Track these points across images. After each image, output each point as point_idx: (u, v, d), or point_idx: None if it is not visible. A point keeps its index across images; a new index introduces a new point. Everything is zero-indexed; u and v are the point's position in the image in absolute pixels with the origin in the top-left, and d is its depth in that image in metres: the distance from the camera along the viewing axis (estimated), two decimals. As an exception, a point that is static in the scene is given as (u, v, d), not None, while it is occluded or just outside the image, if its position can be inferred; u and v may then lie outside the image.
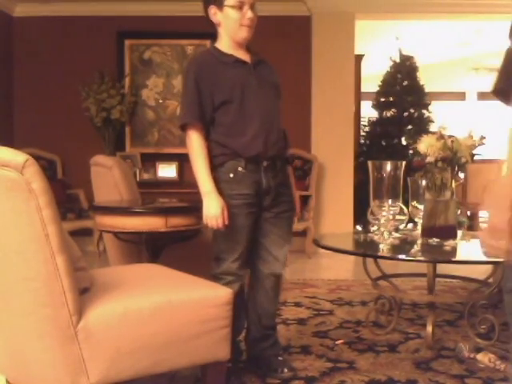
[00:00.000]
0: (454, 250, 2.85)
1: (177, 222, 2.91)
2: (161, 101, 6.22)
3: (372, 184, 2.93)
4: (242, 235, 2.40)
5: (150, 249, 3.04)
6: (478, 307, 3.02)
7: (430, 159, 2.90)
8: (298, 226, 5.19)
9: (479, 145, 2.94)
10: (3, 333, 1.93)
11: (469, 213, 3.50)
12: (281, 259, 2.53)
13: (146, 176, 6.11)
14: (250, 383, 2.48)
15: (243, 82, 2.38)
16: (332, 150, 5.99)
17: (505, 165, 1.43)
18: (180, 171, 6.09)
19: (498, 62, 1.49)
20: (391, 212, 2.89)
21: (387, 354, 2.81)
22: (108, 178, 3.28)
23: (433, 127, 6.76)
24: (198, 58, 2.56)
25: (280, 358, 2.58)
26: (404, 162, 2.94)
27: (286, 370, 2.52)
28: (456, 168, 2.92)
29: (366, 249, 3.11)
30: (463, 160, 2.91)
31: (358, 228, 3.47)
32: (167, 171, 6.13)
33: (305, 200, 5.70)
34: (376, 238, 2.97)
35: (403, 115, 6.93)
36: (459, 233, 3.01)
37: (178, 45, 6.20)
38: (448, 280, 3.97)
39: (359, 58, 6.77)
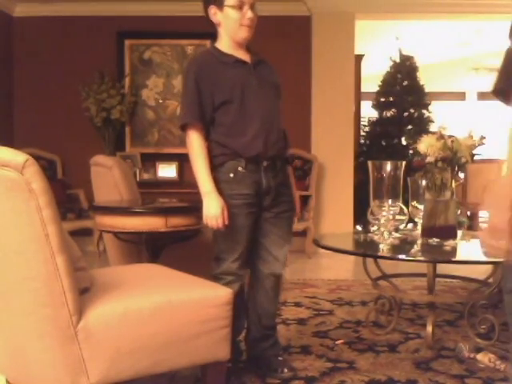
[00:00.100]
0: (453, 250, 2.85)
1: (177, 222, 2.91)
2: (161, 101, 6.22)
3: (372, 184, 2.93)
4: (241, 235, 2.40)
5: (150, 249, 3.04)
6: (478, 307, 3.02)
7: (429, 159, 2.90)
8: (297, 226, 5.19)
9: (479, 145, 2.94)
10: (3, 333, 1.93)
11: (469, 213, 3.51)
12: (281, 259, 2.53)
13: (145, 176, 6.11)
14: (250, 383, 2.48)
15: (243, 82, 2.38)
16: (332, 150, 5.99)
17: (505, 165, 1.43)
18: (180, 171, 6.09)
19: (498, 62, 1.49)
20: (391, 212, 2.89)
21: (387, 354, 2.81)
22: (108, 178, 3.28)
23: (433, 127, 6.76)
24: (198, 58, 2.55)
25: (280, 358, 2.58)
26: (404, 162, 2.94)
27: (286, 370, 2.53)
28: (456, 168, 2.92)
29: (366, 249, 3.11)
30: (463, 160, 2.91)
31: (358, 228, 3.48)
32: (167, 171, 6.13)
33: (305, 200, 5.70)
34: (376, 238, 2.97)
35: (403, 115, 6.93)
36: (459, 233, 3.01)
37: (178, 45, 6.20)
38: (448, 280, 3.97)
39: (359, 57, 6.77)
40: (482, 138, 2.94)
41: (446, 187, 2.88)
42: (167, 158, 6.13)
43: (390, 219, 2.90)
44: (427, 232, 2.88)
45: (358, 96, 6.83)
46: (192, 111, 2.36)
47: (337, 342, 2.98)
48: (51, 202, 1.75)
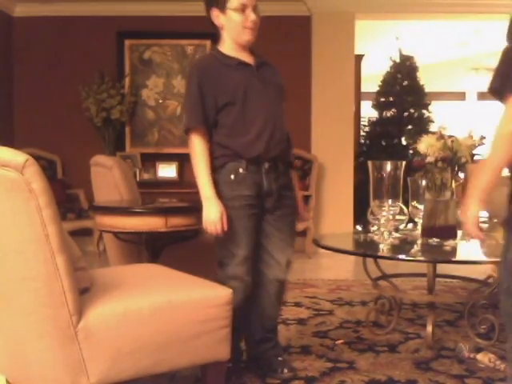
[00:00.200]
0: (453, 250, 2.85)
1: (177, 222, 2.91)
2: (161, 101, 6.22)
3: (372, 184, 2.93)
4: (243, 238, 2.38)
5: (149, 249, 3.04)
6: (478, 307, 3.02)
7: (430, 159, 2.90)
8: (297, 226, 5.18)
9: (479, 145, 2.94)
10: (3, 333, 1.93)
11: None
12: (283, 263, 2.51)
13: (146, 176, 6.11)
14: (250, 383, 2.48)
15: (246, 84, 2.37)
16: (332, 150, 5.99)
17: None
18: (180, 171, 6.09)
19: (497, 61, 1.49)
20: (391, 212, 2.89)
21: (387, 354, 2.81)
22: (108, 178, 3.28)
23: (433, 127, 6.76)
24: (201, 62, 2.56)
25: (280, 359, 2.58)
26: (404, 162, 2.94)
27: (285, 371, 2.52)
28: (456, 168, 2.92)
29: (366, 249, 3.11)
30: (463, 160, 2.91)
31: (358, 228, 3.47)
32: (167, 171, 6.13)
33: (305, 200, 5.70)
34: (376, 237, 2.97)
35: (403, 115, 6.93)
36: (459, 233, 3.01)
37: (178, 45, 6.20)
38: (448, 280, 3.97)
39: (359, 57, 6.77)
40: (482, 137, 2.94)
41: (446, 187, 2.88)
42: (167, 157, 6.13)
43: (389, 219, 2.90)
44: (427, 232, 2.88)
45: (358, 96, 6.83)
46: (195, 115, 2.36)
47: (337, 342, 2.98)
48: (51, 202, 1.75)
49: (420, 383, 2.47)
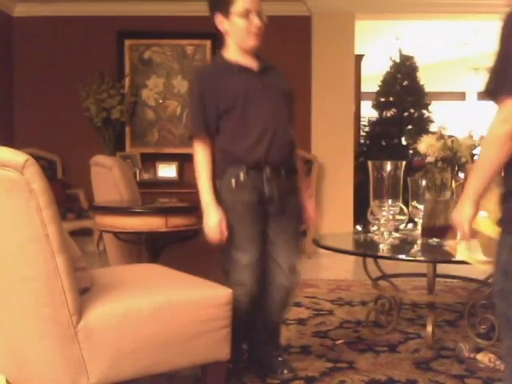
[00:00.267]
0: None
1: (177, 222, 2.91)
2: (161, 101, 6.22)
3: (372, 184, 2.93)
4: (245, 244, 2.36)
5: (150, 249, 3.04)
6: (478, 307, 3.01)
7: (430, 159, 2.90)
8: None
9: (479, 145, 2.94)
10: (3, 333, 1.93)
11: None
12: (287, 270, 2.48)
13: (146, 176, 6.11)
14: (250, 383, 2.48)
15: (247, 89, 2.36)
16: (332, 150, 5.98)
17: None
18: (180, 171, 6.09)
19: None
20: (391, 212, 2.89)
21: (387, 354, 2.81)
22: (108, 178, 3.28)
23: (433, 127, 6.75)
24: (202, 70, 2.59)
25: (280, 359, 2.58)
26: (404, 162, 2.94)
27: (285, 371, 2.52)
28: (456, 168, 2.92)
29: (366, 249, 3.11)
30: (463, 160, 2.91)
31: (358, 228, 3.47)
32: (167, 171, 6.13)
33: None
34: (376, 238, 2.97)
35: (403, 115, 6.93)
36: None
37: (178, 45, 6.20)
38: (448, 280, 3.97)
39: (359, 58, 6.77)
40: (482, 137, 2.94)
41: (446, 187, 2.88)
42: (167, 157, 6.13)
43: (390, 219, 2.90)
44: (427, 232, 2.88)
45: (358, 96, 6.83)
46: (197, 123, 2.38)
47: (337, 342, 2.98)
48: (51, 202, 1.75)
49: (420, 383, 2.47)
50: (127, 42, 6.20)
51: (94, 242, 5.68)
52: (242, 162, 2.35)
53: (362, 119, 7.23)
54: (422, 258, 2.88)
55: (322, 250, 2.97)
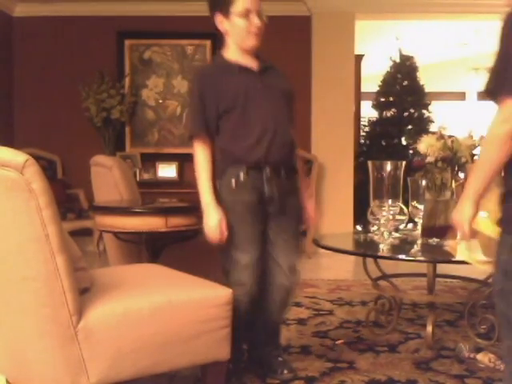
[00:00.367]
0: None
1: (177, 221, 2.91)
2: (161, 101, 6.22)
3: (372, 184, 2.93)
4: (245, 244, 2.36)
5: (150, 249, 3.04)
6: (478, 307, 3.01)
7: (430, 159, 2.90)
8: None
9: (479, 145, 2.94)
10: (3, 333, 1.93)
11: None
12: (287, 270, 2.48)
13: (146, 176, 6.11)
14: (250, 383, 2.48)
15: (246, 89, 2.35)
16: (332, 150, 5.98)
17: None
18: (180, 171, 6.09)
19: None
20: (391, 212, 2.89)
21: (387, 354, 2.81)
22: (108, 178, 3.28)
23: (433, 127, 6.75)
24: (202, 71, 2.59)
25: (280, 359, 2.58)
26: (404, 162, 2.94)
27: (285, 372, 2.52)
28: (456, 168, 2.92)
29: (366, 249, 3.11)
30: (463, 160, 2.91)
31: (358, 228, 3.47)
32: (167, 171, 6.13)
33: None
34: (376, 238, 2.97)
35: (403, 115, 6.93)
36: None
37: (178, 45, 6.20)
38: (448, 280, 3.97)
39: (359, 57, 6.77)
40: (482, 137, 2.94)
41: (445, 187, 2.88)
42: (167, 157, 6.13)
43: (390, 219, 2.90)
44: (427, 232, 2.88)
45: (358, 96, 6.83)
46: (196, 123, 2.38)
47: (337, 342, 2.98)
48: (51, 202, 1.75)
49: (420, 383, 2.47)
50: (127, 42, 6.20)
51: (94, 242, 5.68)
52: (241, 161, 2.35)
53: (362, 119, 7.23)
54: (422, 258, 2.88)
55: (322, 250, 2.98)
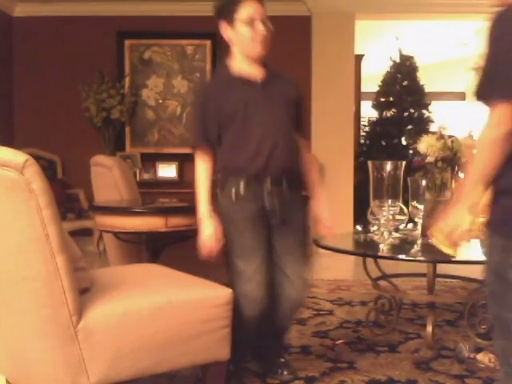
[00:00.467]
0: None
1: (177, 222, 2.91)
2: (161, 101, 6.22)
3: (372, 184, 2.93)
4: (248, 254, 2.33)
5: (150, 249, 3.04)
6: (478, 307, 3.01)
7: (430, 159, 2.90)
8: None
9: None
10: (3, 333, 1.93)
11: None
12: (295, 281, 2.43)
13: (146, 176, 6.11)
14: (250, 383, 2.48)
15: (247, 100, 2.33)
16: (332, 150, 5.97)
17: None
18: (180, 171, 6.09)
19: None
20: (391, 212, 2.89)
21: (387, 354, 2.81)
22: (108, 177, 3.28)
23: (433, 127, 6.76)
24: (206, 85, 2.57)
25: (282, 360, 2.58)
26: (404, 162, 2.94)
27: (285, 373, 2.52)
28: (456, 168, 2.92)
29: (366, 249, 3.11)
30: (463, 160, 2.91)
31: (358, 228, 3.47)
32: (167, 171, 6.13)
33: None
34: (376, 238, 2.97)
35: (403, 115, 6.93)
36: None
37: (178, 45, 6.20)
38: (448, 280, 3.97)
39: (359, 58, 6.77)
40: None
41: (445, 187, 2.88)
42: (167, 158, 6.13)
43: (389, 219, 2.90)
44: (427, 232, 2.88)
45: (358, 96, 6.83)
46: (197, 135, 2.40)
47: (337, 342, 2.98)
48: (51, 202, 1.75)
49: (420, 383, 2.47)
50: (127, 42, 6.20)
51: (94, 242, 5.67)
52: (241, 173, 2.33)
53: (362, 119, 7.23)
54: (422, 258, 2.88)
55: (322, 250, 2.97)
